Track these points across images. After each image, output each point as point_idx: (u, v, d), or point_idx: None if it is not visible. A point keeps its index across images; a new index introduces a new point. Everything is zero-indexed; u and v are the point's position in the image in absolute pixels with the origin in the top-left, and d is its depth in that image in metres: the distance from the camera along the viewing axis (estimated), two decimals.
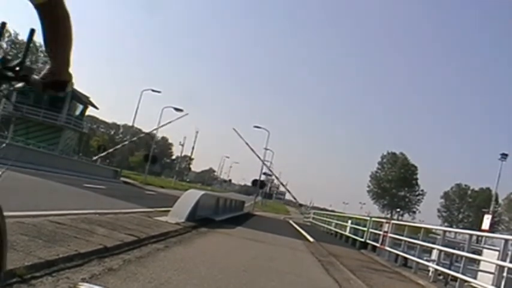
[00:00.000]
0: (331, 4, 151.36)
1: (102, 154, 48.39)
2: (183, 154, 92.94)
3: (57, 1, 1.54)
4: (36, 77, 1.67)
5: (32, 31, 1.72)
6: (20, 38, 60.49)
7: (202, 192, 13.97)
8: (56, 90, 1.74)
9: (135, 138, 61.52)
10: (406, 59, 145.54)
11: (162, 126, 47.46)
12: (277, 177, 54.13)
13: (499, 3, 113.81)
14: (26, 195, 10.59)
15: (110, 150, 52.04)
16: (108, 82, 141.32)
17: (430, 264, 10.87)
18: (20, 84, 1.82)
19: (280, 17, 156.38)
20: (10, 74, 1.57)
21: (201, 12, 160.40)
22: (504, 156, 43.01)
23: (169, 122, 46.67)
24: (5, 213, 5.24)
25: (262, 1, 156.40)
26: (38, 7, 1.56)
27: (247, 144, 52.26)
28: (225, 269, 6.21)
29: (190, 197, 12.24)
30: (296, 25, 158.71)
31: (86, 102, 45.34)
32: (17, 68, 1.58)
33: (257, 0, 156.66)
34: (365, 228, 17.50)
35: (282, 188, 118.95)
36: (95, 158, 48.45)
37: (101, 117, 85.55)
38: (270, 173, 74.43)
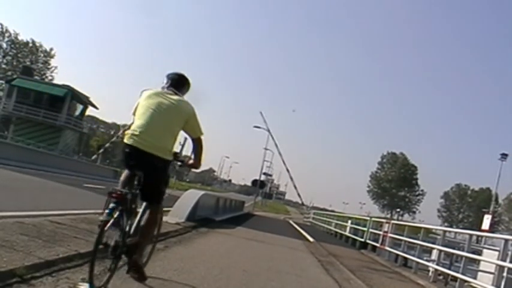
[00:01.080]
0: (331, 5, 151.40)
1: (100, 151, 48.17)
2: (182, 154, 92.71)
3: (201, 137, 4.03)
4: (186, 161, 4.25)
5: (185, 140, 4.20)
6: (19, 38, 60.59)
7: (202, 192, 13.97)
8: (192, 168, 4.41)
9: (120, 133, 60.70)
10: (407, 59, 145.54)
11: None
12: (288, 170, 53.28)
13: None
14: (26, 195, 10.59)
15: (106, 145, 51.66)
16: (109, 82, 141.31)
17: (430, 264, 10.87)
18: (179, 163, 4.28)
19: (280, 15, 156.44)
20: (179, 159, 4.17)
21: (201, 11, 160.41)
22: (504, 156, 43.03)
23: None
24: (5, 213, 5.23)
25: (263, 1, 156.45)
26: (194, 139, 4.06)
27: (268, 131, 51.83)
28: (225, 269, 6.21)
29: (190, 197, 12.24)
30: (294, 25, 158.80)
31: (86, 102, 45.32)
32: (179, 157, 4.17)
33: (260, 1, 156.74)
34: (365, 228, 17.49)
35: (282, 188, 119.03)
36: (93, 157, 48.41)
37: (101, 117, 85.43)
38: (269, 172, 74.21)
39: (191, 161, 4.26)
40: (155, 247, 4.93)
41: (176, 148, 4.14)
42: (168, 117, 3.93)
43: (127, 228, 3.84)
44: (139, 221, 4.06)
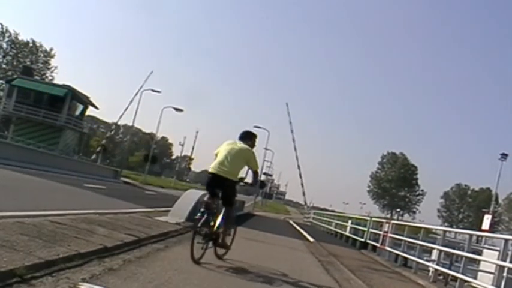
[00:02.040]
0: (332, 5, 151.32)
1: (98, 150, 48.24)
2: (183, 154, 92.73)
3: (257, 170, 6.73)
4: (247, 182, 6.93)
5: (248, 170, 6.90)
6: (20, 38, 60.56)
7: (202, 192, 13.94)
8: (251, 186, 7.22)
9: (113, 127, 60.62)
10: (406, 58, 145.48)
11: (127, 107, 46.58)
12: (299, 166, 52.34)
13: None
14: (26, 195, 10.59)
15: (103, 141, 51.74)
16: (109, 82, 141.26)
17: (430, 264, 10.87)
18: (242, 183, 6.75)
19: (280, 16, 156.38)
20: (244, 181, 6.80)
21: (202, 13, 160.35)
22: (504, 156, 43.02)
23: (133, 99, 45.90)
24: (5, 213, 5.23)
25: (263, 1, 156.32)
26: (253, 172, 6.70)
27: (290, 123, 51.61)
28: (226, 270, 6.20)
29: (190, 197, 12.20)
30: (295, 26, 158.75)
31: (86, 102, 45.31)
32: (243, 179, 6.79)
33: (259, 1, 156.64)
34: (365, 228, 17.49)
35: (282, 188, 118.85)
36: (93, 156, 48.42)
37: (101, 117, 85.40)
38: (270, 172, 73.93)
39: (250, 182, 6.83)
40: (236, 231, 7.46)
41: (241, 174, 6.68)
42: (235, 157, 6.43)
43: (212, 224, 6.09)
44: (222, 218, 6.34)
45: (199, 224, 5.87)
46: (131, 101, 45.32)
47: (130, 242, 6.10)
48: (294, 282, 6.56)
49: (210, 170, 6.40)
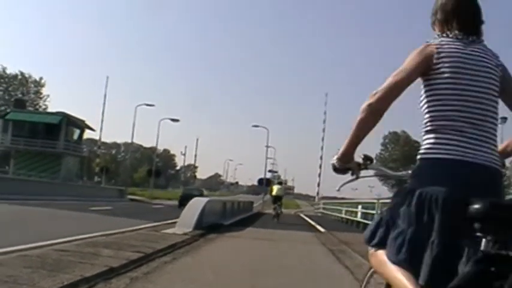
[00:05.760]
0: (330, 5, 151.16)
1: (98, 170, 48.60)
2: (186, 163, 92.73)
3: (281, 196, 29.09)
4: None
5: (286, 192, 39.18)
6: (7, 72, 60.68)
7: (207, 199, 13.97)
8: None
9: (99, 143, 60.47)
10: (404, 42, 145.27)
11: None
12: (321, 157, 51.73)
13: None
14: (31, 226, 10.61)
15: (97, 160, 52.02)
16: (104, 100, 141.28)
17: None
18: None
19: (277, 18, 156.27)
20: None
21: (201, 14, 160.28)
22: (503, 119, 42.85)
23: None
24: (8, 249, 5.22)
25: (261, 5, 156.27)
26: (284, 192, 27.67)
27: (325, 113, 51.37)
28: (234, 272, 6.21)
29: (195, 206, 12.23)
30: (293, 28, 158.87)
31: (82, 126, 45.41)
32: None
33: (256, 5, 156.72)
34: (374, 211, 17.45)
35: (289, 183, 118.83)
36: (97, 178, 48.63)
37: (102, 138, 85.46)
38: (274, 169, 74.05)
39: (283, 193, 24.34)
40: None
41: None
42: (281, 190, 21.84)
43: (279, 211, 21.00)
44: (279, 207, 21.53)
45: (275, 213, 20.48)
46: (103, 112, 46.15)
47: (136, 259, 6.10)
48: (302, 278, 6.56)
49: (274, 194, 21.03)
